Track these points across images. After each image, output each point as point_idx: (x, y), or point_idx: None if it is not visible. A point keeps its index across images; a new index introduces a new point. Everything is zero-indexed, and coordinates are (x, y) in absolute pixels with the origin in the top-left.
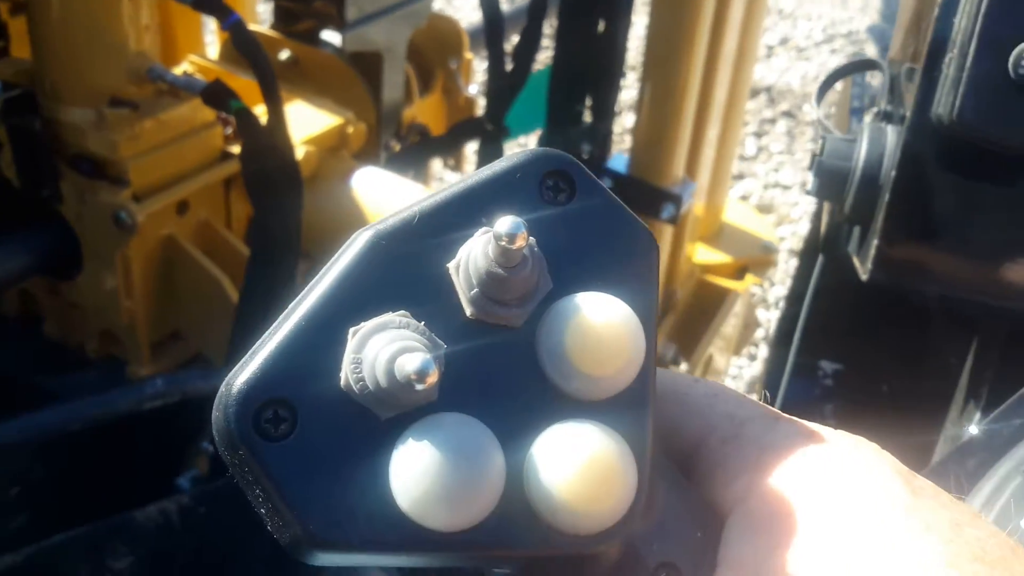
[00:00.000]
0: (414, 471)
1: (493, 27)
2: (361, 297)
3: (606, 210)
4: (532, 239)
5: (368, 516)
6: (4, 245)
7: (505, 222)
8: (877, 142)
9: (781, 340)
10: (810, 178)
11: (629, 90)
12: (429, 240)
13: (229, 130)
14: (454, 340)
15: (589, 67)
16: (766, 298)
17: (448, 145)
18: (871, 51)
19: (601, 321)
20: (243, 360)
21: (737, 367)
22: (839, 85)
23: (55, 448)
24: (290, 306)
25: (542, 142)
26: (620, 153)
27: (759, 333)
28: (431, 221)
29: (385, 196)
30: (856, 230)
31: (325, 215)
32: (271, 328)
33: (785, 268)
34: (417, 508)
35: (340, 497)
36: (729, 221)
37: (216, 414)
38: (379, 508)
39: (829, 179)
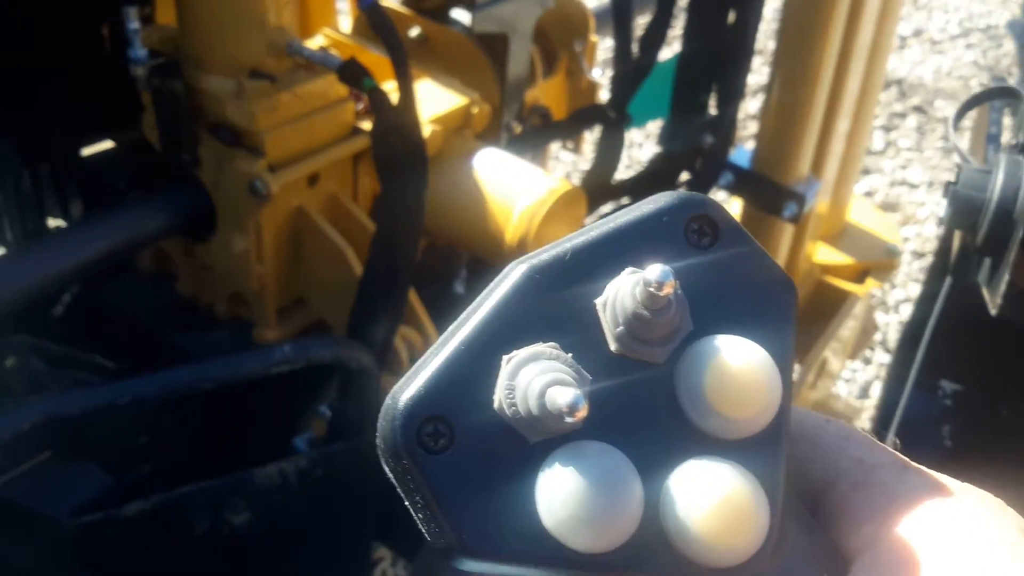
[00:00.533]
0: (560, 494)
1: (621, 11)
2: (514, 327)
3: (748, 256)
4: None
5: (515, 531)
6: (146, 204)
7: (654, 270)
8: (1013, 175)
9: (903, 353)
10: (944, 205)
11: (753, 74)
12: (578, 276)
13: (360, 106)
14: (599, 373)
15: (716, 57)
16: (885, 301)
17: (568, 130)
18: (1009, 48)
19: (740, 365)
20: (407, 376)
21: (851, 371)
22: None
23: (183, 402)
24: (449, 330)
25: (664, 131)
26: (742, 146)
27: (876, 336)
28: (581, 258)
29: (505, 176)
30: (987, 261)
31: (446, 193)
32: (432, 349)
33: (907, 270)
34: (561, 528)
35: (491, 511)
36: (853, 221)
37: (383, 424)
38: (526, 524)
39: (963, 209)
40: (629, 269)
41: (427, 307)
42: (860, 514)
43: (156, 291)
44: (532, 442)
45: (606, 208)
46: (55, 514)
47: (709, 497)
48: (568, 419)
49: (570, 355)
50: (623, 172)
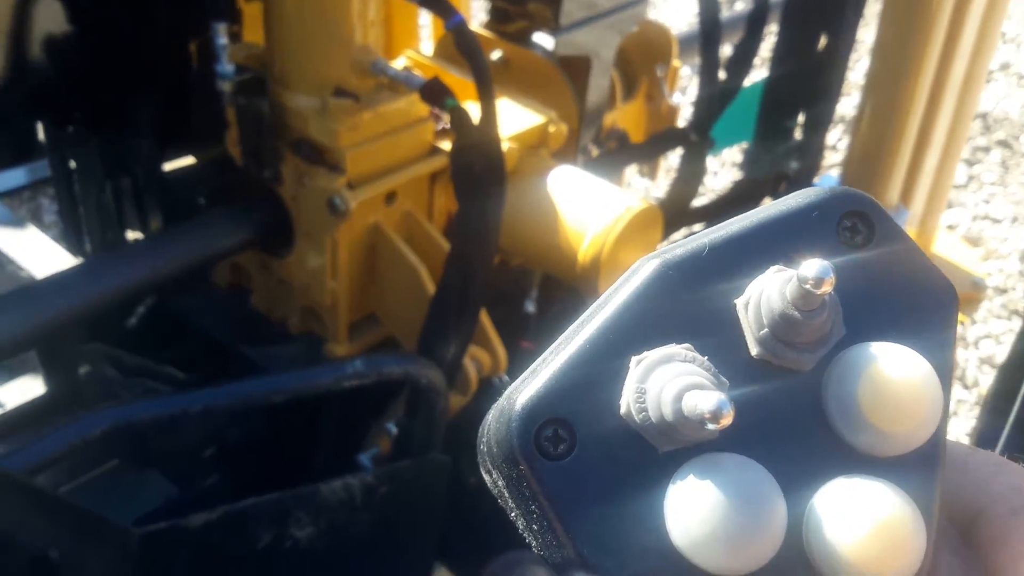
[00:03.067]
0: (695, 510)
1: (709, 35)
2: (645, 326)
3: (905, 257)
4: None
5: (641, 548)
6: (226, 219)
7: (813, 265)
8: None
9: (1000, 395)
10: None
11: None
12: (716, 273)
13: (440, 126)
14: (737, 379)
15: (806, 83)
16: (965, 336)
17: (646, 153)
18: None
19: (900, 375)
20: (524, 376)
21: None
22: None
23: (251, 415)
24: (572, 327)
25: (748, 156)
26: (828, 174)
27: (955, 372)
28: (720, 254)
29: (581, 194)
30: None
31: (520, 212)
32: (553, 347)
33: (989, 306)
34: (695, 548)
35: (614, 524)
36: (938, 253)
37: (496, 426)
38: (653, 541)
39: None
40: (775, 267)
41: (497, 327)
42: (1022, 542)
43: (230, 305)
44: (662, 451)
45: (680, 234)
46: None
47: (863, 520)
48: (710, 426)
49: (706, 358)
50: (697, 200)
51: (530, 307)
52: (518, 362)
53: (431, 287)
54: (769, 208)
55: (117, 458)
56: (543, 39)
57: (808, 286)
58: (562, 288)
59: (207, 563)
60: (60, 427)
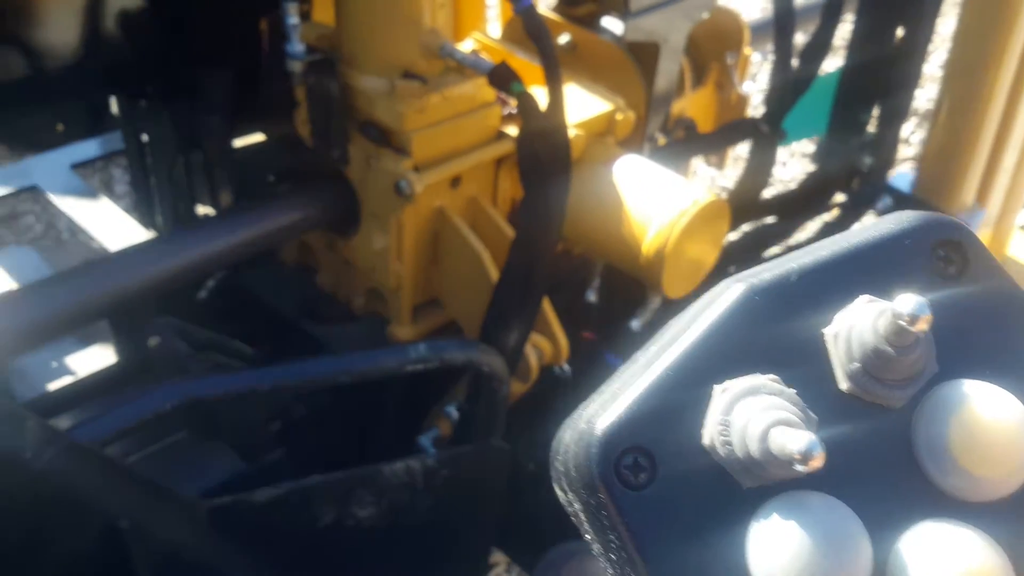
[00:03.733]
0: (779, 549)
1: (783, 23)
2: (729, 353)
3: (999, 291)
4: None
5: None
6: (293, 197)
7: (909, 301)
8: None
9: None
10: None
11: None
12: (804, 301)
13: (506, 111)
14: (825, 414)
15: (882, 75)
16: None
17: (715, 144)
18: None
19: (992, 417)
20: (603, 400)
21: None
22: None
23: (316, 393)
24: (651, 350)
25: (820, 150)
26: (902, 170)
27: None
28: (809, 281)
29: (646, 184)
30: None
31: (584, 199)
32: (633, 370)
33: None
34: None
35: (693, 558)
36: (1013, 256)
37: (576, 450)
38: None
39: None
40: (865, 297)
41: (559, 315)
42: None
43: (297, 282)
44: (745, 487)
45: (747, 227)
46: (189, 494)
47: (950, 568)
48: (799, 467)
49: (793, 390)
50: (766, 192)
51: (591, 296)
52: (579, 352)
53: (494, 273)
54: (859, 233)
55: (186, 429)
56: (612, 23)
57: (903, 323)
58: (624, 279)
59: (271, 538)
60: (132, 400)
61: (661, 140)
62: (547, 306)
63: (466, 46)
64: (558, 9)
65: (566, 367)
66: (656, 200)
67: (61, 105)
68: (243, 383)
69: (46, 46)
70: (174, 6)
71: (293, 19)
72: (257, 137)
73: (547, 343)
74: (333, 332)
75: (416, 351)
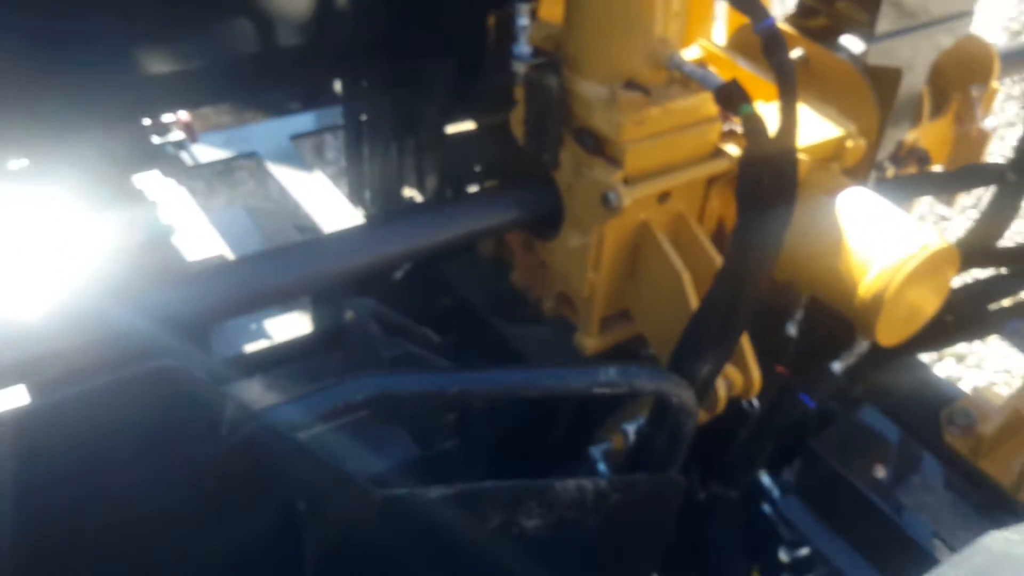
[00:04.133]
0: None
1: None
2: None
3: None
4: None
5: None
6: (501, 195)
7: None
8: None
9: None
10: None
11: None
12: None
13: (727, 127)
14: None
15: None
16: None
17: (950, 184)
18: None
19: None
20: None
21: None
22: None
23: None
24: None
25: None
26: None
27: None
28: None
29: (871, 220)
30: None
31: (801, 228)
32: None
33: None
34: None
35: None
36: None
37: None
38: None
39: None
40: None
41: (756, 345)
42: None
43: (490, 277)
44: None
45: (974, 276)
46: (364, 472)
47: None
48: None
49: None
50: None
51: (792, 329)
52: (770, 386)
53: (692, 295)
54: None
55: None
56: (851, 42)
57: None
58: (831, 316)
59: (438, 534)
60: (327, 387)
61: (890, 171)
62: (744, 336)
63: (691, 53)
64: (791, 20)
65: (755, 401)
66: (881, 239)
67: (292, 83)
68: (433, 384)
69: (282, 26)
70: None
71: (523, 20)
72: (467, 125)
73: (739, 375)
74: (519, 331)
75: (606, 374)
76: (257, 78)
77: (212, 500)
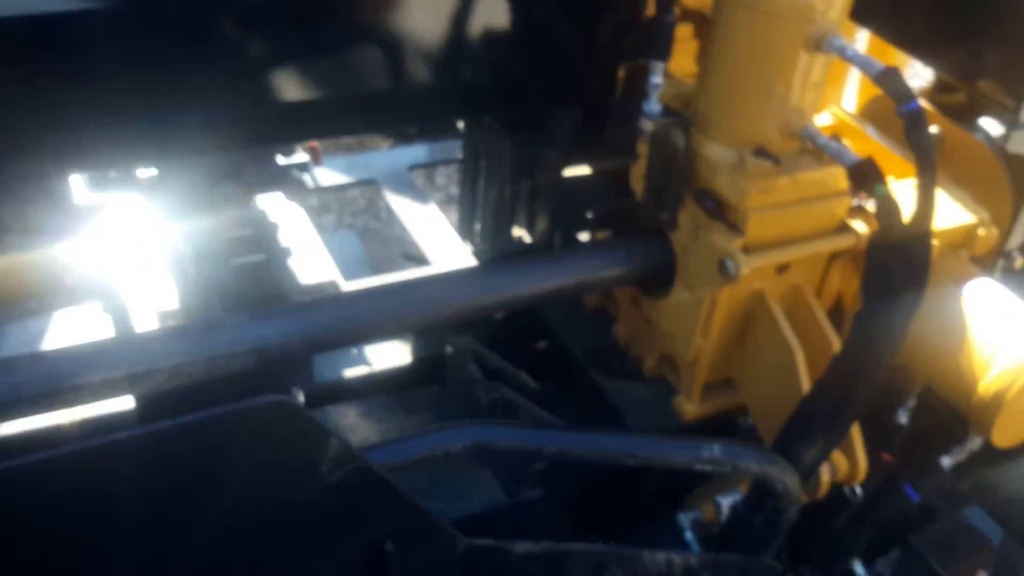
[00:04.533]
0: None
1: None
2: None
3: None
4: None
5: None
6: (615, 249)
7: None
8: None
9: None
10: None
11: None
12: None
13: (855, 202)
14: None
15: None
16: None
17: None
18: None
19: None
20: None
21: None
22: None
23: None
24: None
25: None
26: None
27: None
28: None
29: (997, 315)
30: None
31: (924, 315)
32: None
33: None
34: None
35: None
36: None
37: None
38: None
39: None
40: None
41: (863, 429)
42: None
43: (592, 327)
44: None
45: None
46: (449, 515)
47: None
48: None
49: None
50: None
51: (903, 417)
52: (875, 473)
53: (804, 374)
54: None
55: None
56: (991, 125)
57: None
58: (946, 408)
59: None
60: (428, 434)
61: (1019, 262)
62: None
63: (823, 119)
64: (927, 95)
65: (858, 489)
66: (1006, 336)
67: (421, 121)
68: (533, 441)
69: (417, 68)
70: (542, 41)
71: (657, 79)
72: (582, 170)
73: (844, 460)
74: (617, 386)
75: (710, 451)
76: (387, 116)
77: (304, 533)
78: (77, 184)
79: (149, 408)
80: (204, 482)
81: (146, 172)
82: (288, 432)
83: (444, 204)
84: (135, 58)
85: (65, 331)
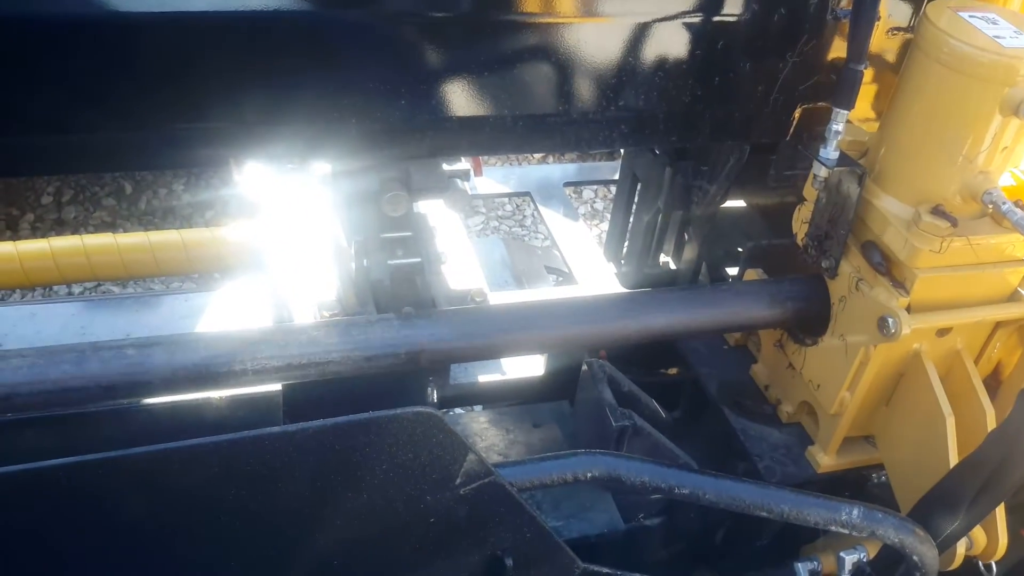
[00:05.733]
0: None
1: None
2: None
3: None
4: None
5: None
6: (767, 290)
7: None
8: None
9: None
10: None
11: None
12: None
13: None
14: None
15: None
16: None
17: None
18: None
19: None
20: None
21: None
22: None
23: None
24: None
25: None
26: None
27: None
28: None
29: None
30: None
31: None
32: None
33: None
34: None
35: None
36: None
37: None
38: None
39: None
40: None
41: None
42: None
43: (731, 364)
44: None
45: None
46: (565, 534)
47: None
48: None
49: None
50: None
51: None
52: (1014, 550)
53: (952, 440)
54: None
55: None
56: None
57: None
58: None
59: None
60: (561, 457)
61: None
62: None
63: (1003, 180)
64: None
65: (993, 565)
66: None
67: (590, 147)
68: (665, 480)
69: (589, 93)
70: (722, 80)
71: (838, 127)
72: (736, 203)
73: (983, 535)
74: (751, 429)
75: (849, 514)
76: (556, 138)
77: (431, 539)
78: (249, 171)
79: (294, 395)
80: (345, 481)
81: (321, 167)
82: (430, 442)
83: (588, 217)
84: (324, 63)
85: (223, 309)
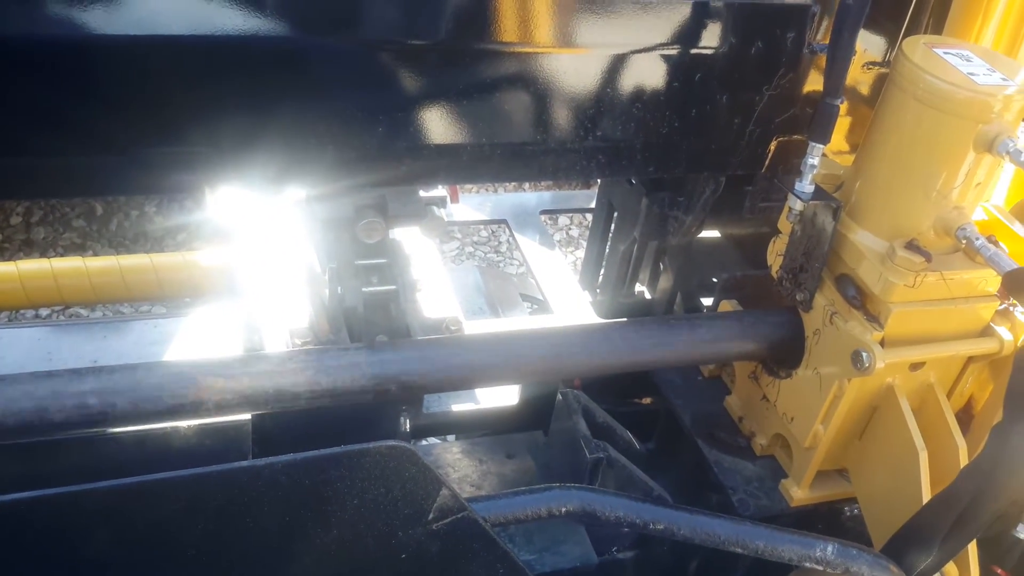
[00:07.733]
0: None
1: None
2: None
3: None
4: None
5: None
6: (742, 322)
7: None
8: None
9: None
10: None
11: None
12: None
13: (1003, 306)
14: None
15: None
16: None
17: None
18: None
19: None
20: None
21: None
22: None
23: None
24: None
25: None
26: None
27: None
28: None
29: None
30: None
31: None
32: None
33: None
34: None
35: None
36: None
37: None
38: None
39: None
40: None
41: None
42: None
43: (705, 394)
44: None
45: None
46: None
47: None
48: None
49: None
50: None
51: (1021, 532)
52: None
53: (925, 475)
54: None
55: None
56: None
57: None
58: None
59: None
60: (535, 491)
61: None
62: None
63: (975, 215)
64: None
65: None
66: None
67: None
68: (640, 516)
69: (567, 122)
70: (699, 112)
71: (814, 160)
72: (711, 234)
73: (956, 571)
74: (724, 461)
75: (823, 550)
76: (534, 168)
77: (401, 574)
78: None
79: (263, 423)
80: (315, 516)
81: (296, 193)
82: (403, 476)
83: (564, 244)
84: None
85: (194, 335)
